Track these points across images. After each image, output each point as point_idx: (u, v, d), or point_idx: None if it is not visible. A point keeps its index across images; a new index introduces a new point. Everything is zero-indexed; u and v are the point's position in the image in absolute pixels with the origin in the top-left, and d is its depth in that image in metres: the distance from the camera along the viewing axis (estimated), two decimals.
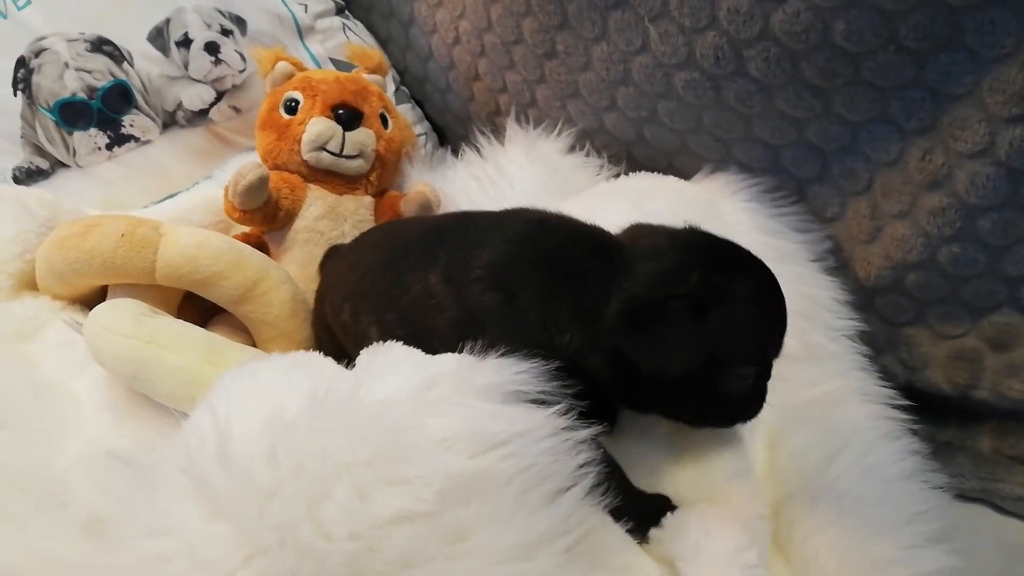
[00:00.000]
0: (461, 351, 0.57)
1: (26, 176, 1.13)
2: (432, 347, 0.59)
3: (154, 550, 0.49)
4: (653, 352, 0.57)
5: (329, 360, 0.63)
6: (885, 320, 0.91)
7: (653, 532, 0.58)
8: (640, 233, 0.63)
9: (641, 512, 0.58)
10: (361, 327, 0.68)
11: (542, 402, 0.55)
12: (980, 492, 0.87)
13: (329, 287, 0.80)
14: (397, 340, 0.62)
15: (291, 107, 0.95)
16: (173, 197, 1.09)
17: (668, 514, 0.59)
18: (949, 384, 0.88)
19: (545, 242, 0.63)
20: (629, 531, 0.58)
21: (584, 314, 0.58)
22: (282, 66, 0.99)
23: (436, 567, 0.48)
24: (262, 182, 0.86)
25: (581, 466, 0.54)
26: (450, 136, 1.26)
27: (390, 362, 0.58)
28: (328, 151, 0.93)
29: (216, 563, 0.47)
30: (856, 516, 0.65)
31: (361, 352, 0.61)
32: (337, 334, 0.75)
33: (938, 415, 0.87)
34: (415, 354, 0.59)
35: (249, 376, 0.57)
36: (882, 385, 0.83)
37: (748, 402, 0.62)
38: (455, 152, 1.12)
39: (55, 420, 0.76)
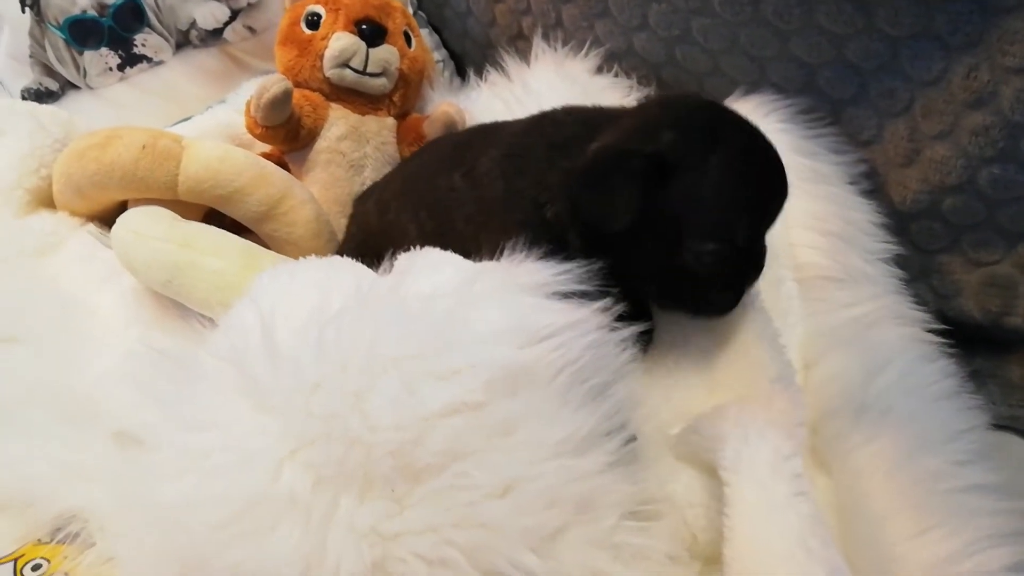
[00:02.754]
0: (475, 244, 0.59)
1: (35, 97, 1.10)
2: (448, 243, 0.60)
3: (196, 444, 0.48)
4: (595, 202, 0.55)
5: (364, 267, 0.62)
6: (918, 247, 0.89)
7: (692, 438, 0.57)
8: (654, 99, 0.64)
9: None
10: (402, 223, 0.71)
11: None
12: (1009, 419, 0.86)
13: (380, 189, 0.83)
14: (429, 234, 0.65)
15: (313, 22, 0.91)
16: (186, 121, 1.06)
17: (704, 420, 0.57)
18: (981, 311, 0.87)
19: (550, 128, 0.64)
20: None
21: (565, 177, 0.58)
22: None
23: (484, 458, 0.47)
24: (286, 95, 0.83)
25: (626, 364, 0.53)
26: (469, 64, 1.23)
27: (430, 262, 0.57)
28: (351, 68, 0.90)
29: (262, 454, 0.46)
30: (904, 430, 0.64)
31: (399, 256, 0.60)
32: (379, 234, 0.76)
33: (967, 344, 0.86)
34: (454, 257, 0.58)
35: (288, 274, 0.56)
36: (916, 309, 0.82)
37: (714, 284, 0.58)
38: (478, 75, 1.09)
39: (77, 335, 0.74)
